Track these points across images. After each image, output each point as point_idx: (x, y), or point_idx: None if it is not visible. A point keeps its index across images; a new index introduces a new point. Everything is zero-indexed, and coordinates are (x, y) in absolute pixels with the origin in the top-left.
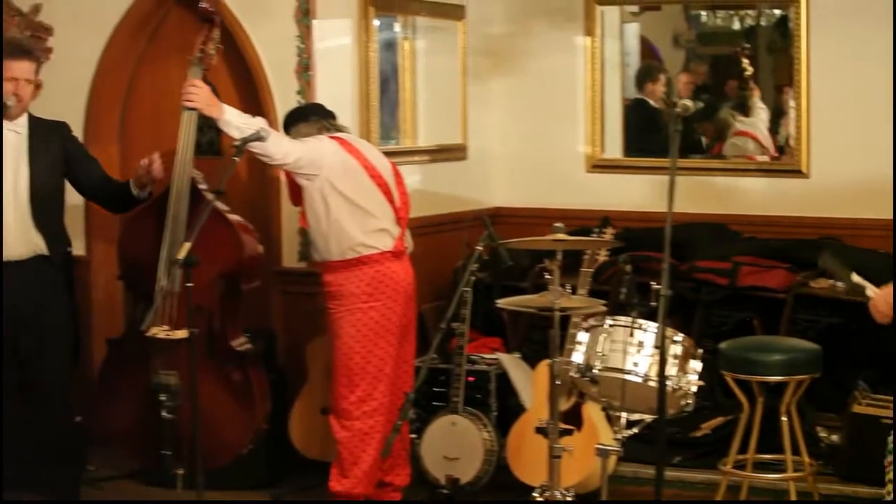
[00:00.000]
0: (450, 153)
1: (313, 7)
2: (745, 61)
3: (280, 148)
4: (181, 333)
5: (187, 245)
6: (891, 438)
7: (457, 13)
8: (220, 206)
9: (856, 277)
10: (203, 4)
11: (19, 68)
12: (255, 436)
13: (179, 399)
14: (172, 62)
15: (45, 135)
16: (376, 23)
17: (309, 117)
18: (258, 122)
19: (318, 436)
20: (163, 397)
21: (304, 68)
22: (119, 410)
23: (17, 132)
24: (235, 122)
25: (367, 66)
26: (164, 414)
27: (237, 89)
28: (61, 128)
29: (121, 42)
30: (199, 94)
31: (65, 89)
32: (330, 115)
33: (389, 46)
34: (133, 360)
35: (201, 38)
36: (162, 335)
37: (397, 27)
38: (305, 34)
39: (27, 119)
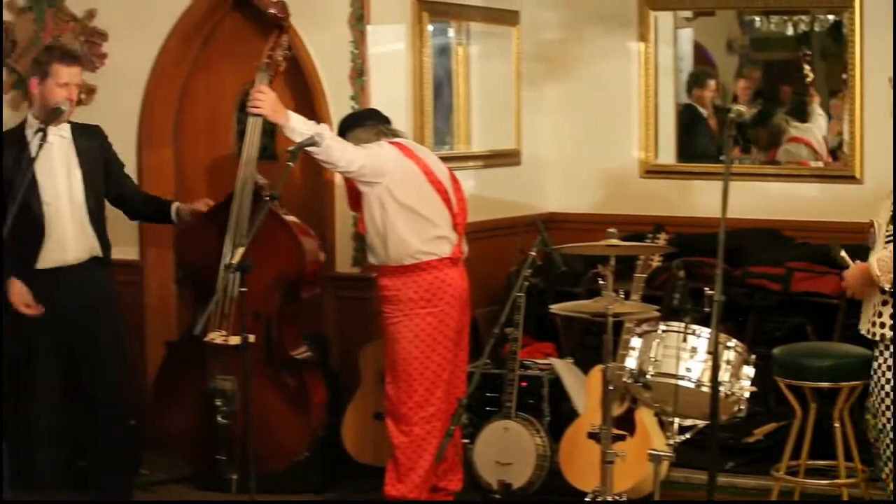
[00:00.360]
0: (503, 158)
1: (367, 12)
2: (807, 67)
3: (344, 155)
4: (238, 339)
5: (241, 250)
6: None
7: (511, 19)
8: (283, 211)
9: (843, 254)
10: (272, 10)
11: (70, 73)
12: (311, 443)
13: (235, 404)
14: (226, 67)
15: (87, 138)
16: (430, 28)
17: (365, 122)
18: (323, 130)
19: (370, 441)
20: (218, 402)
21: (359, 73)
22: (175, 413)
23: (62, 136)
24: (300, 128)
25: (420, 72)
26: (219, 419)
27: (292, 95)
28: (99, 131)
29: (175, 47)
30: (265, 101)
31: (119, 94)
32: (386, 121)
33: (443, 52)
34: (190, 364)
35: (270, 45)
36: (219, 340)
37: (451, 32)
38: (359, 40)
39: (69, 127)
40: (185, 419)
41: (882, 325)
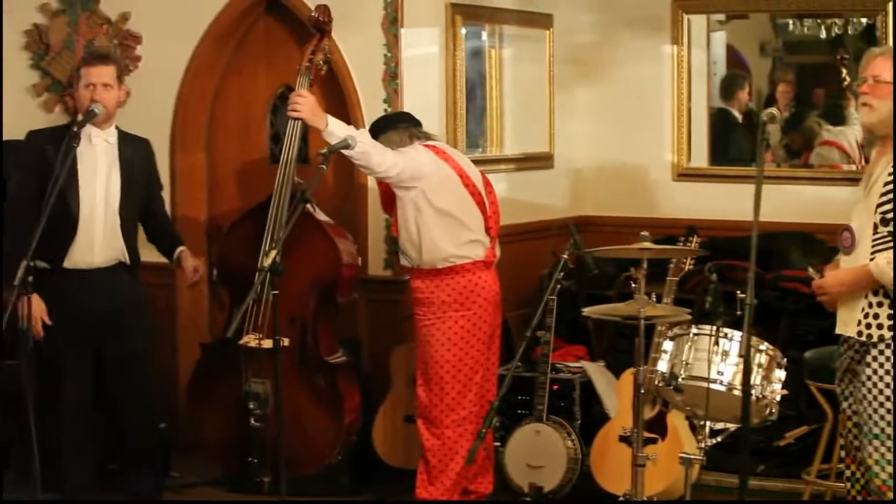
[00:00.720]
0: (536, 162)
1: (401, 16)
2: (843, 70)
3: (384, 160)
4: (271, 343)
5: (273, 252)
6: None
7: (544, 22)
8: (320, 215)
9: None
10: (314, 14)
11: (96, 73)
12: (343, 447)
13: (268, 408)
14: (259, 70)
15: (134, 149)
16: (463, 31)
17: (398, 125)
18: (362, 135)
19: (401, 444)
20: (251, 405)
21: (392, 77)
22: (208, 415)
23: (107, 141)
24: (338, 132)
25: (454, 75)
26: (252, 422)
27: (325, 97)
28: (147, 145)
29: (208, 50)
30: (304, 104)
31: (152, 97)
32: (417, 123)
33: (476, 55)
34: (225, 366)
35: (311, 48)
36: (252, 344)
37: (484, 36)
38: (393, 43)
39: (116, 134)
40: (219, 421)
41: (880, 326)
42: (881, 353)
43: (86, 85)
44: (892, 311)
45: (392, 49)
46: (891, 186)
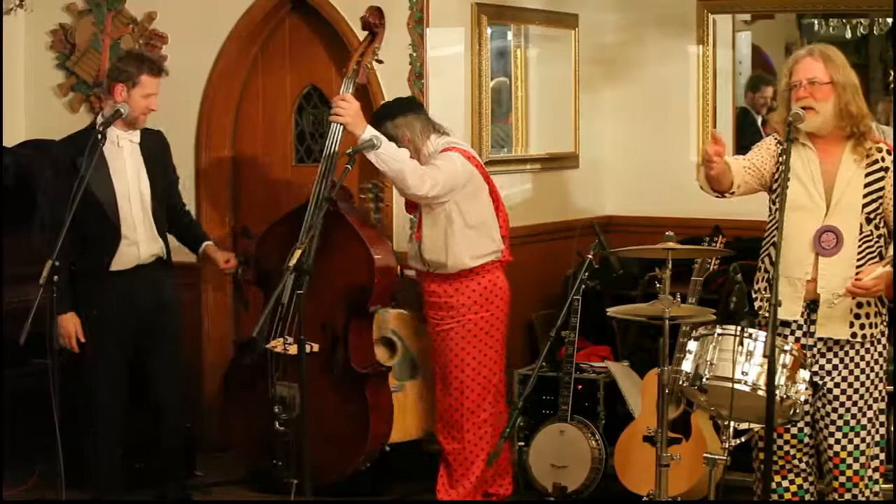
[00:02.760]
0: (561, 161)
1: (427, 16)
2: (892, 73)
3: (421, 183)
4: (296, 349)
5: (298, 252)
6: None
7: (569, 22)
8: (359, 221)
9: None
10: (365, 15)
11: (156, 85)
12: (370, 457)
13: (294, 412)
14: (285, 70)
15: (152, 143)
16: (489, 31)
17: (420, 111)
18: (399, 153)
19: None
20: (277, 409)
21: (417, 76)
22: (239, 413)
23: (132, 141)
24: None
25: (479, 75)
26: (276, 426)
27: None
28: (161, 137)
29: (234, 50)
30: (348, 109)
31: (178, 96)
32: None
33: (502, 55)
34: (257, 366)
35: (360, 50)
36: (279, 349)
37: (510, 36)
38: (418, 42)
39: (139, 131)
40: (249, 420)
41: (872, 325)
42: (873, 348)
43: (146, 94)
44: (877, 309)
45: (418, 49)
46: (873, 186)
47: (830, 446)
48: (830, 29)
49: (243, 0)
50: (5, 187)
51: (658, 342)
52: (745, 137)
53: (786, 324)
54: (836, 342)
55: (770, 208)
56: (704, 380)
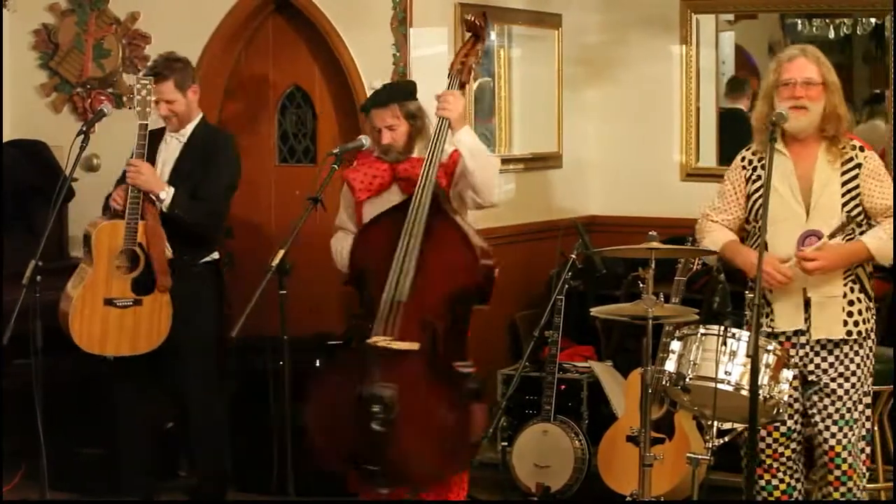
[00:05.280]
0: (545, 161)
1: (410, 16)
2: None
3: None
4: (404, 345)
5: (281, 252)
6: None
7: (553, 22)
8: (462, 220)
9: None
10: (470, 17)
11: (156, 91)
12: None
13: (393, 412)
14: (268, 69)
15: (201, 143)
16: None
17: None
18: (487, 152)
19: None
20: (376, 409)
21: (400, 76)
22: (329, 418)
23: (178, 140)
24: (467, 139)
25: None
26: (373, 426)
27: (332, 97)
28: (216, 139)
29: (217, 50)
30: (455, 104)
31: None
32: None
33: (485, 55)
34: (348, 368)
35: (464, 50)
36: (382, 344)
37: (493, 35)
38: (401, 42)
39: (194, 126)
40: (339, 424)
41: (865, 322)
42: (865, 343)
43: (158, 101)
44: (867, 304)
45: (401, 49)
46: (850, 185)
47: (826, 440)
48: (814, 29)
49: (227, 0)
50: None
51: (641, 342)
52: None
53: (782, 332)
54: (830, 340)
55: (748, 220)
56: (687, 380)
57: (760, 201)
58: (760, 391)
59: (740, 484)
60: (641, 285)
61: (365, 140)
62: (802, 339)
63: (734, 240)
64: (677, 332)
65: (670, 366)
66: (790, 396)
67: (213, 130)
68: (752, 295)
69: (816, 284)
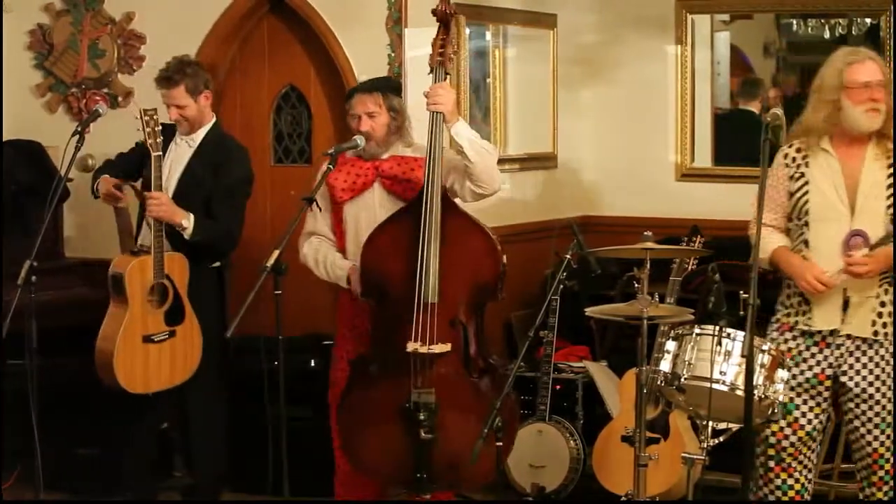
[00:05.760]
0: (540, 161)
1: (405, 16)
2: None
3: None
4: (442, 347)
5: (276, 252)
6: None
7: (548, 22)
8: (469, 213)
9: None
10: (439, 7)
11: (168, 97)
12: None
13: (437, 417)
14: (263, 70)
15: (212, 151)
16: (467, 31)
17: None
18: (488, 145)
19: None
20: (422, 416)
21: (395, 77)
22: (372, 430)
23: (188, 144)
24: (465, 132)
25: (457, 75)
26: (422, 434)
27: (328, 96)
28: (228, 150)
29: (212, 50)
30: (446, 97)
31: (156, 97)
32: None
33: (480, 55)
34: (380, 380)
35: (438, 42)
36: (423, 350)
37: (488, 35)
38: (396, 42)
39: (206, 131)
40: (383, 434)
41: (890, 325)
42: (886, 350)
43: (167, 105)
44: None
45: (396, 49)
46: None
47: (869, 443)
48: (809, 29)
49: (222, 0)
50: None
51: (636, 342)
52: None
53: (818, 332)
54: (864, 340)
55: (790, 217)
56: (682, 380)
57: (804, 199)
58: (755, 391)
59: (736, 484)
60: (636, 285)
61: (360, 140)
62: (838, 340)
63: (783, 246)
64: (672, 332)
65: (665, 366)
66: (820, 395)
67: (226, 139)
68: (746, 295)
69: (856, 285)
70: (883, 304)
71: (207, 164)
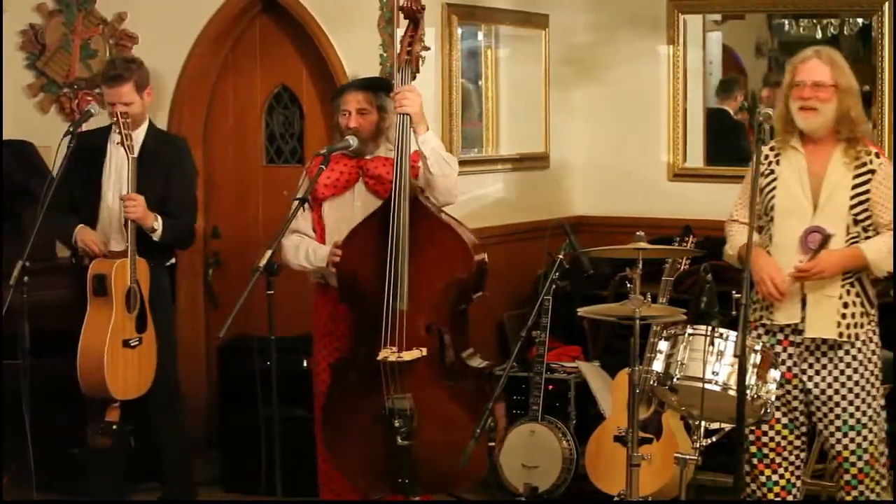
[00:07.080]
0: (532, 162)
1: (397, 16)
2: None
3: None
4: (412, 354)
5: (268, 252)
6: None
7: (540, 22)
8: (438, 211)
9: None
10: (405, 3)
11: (115, 94)
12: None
13: (414, 423)
14: (255, 71)
15: (160, 152)
16: (459, 31)
17: None
18: (451, 158)
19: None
20: (397, 423)
21: (387, 76)
22: (352, 437)
23: (127, 146)
24: (433, 142)
25: (450, 75)
26: (399, 441)
27: (320, 97)
28: (173, 144)
29: (204, 50)
30: (414, 100)
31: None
32: None
33: (473, 55)
34: (358, 386)
35: (406, 40)
36: (392, 358)
37: (480, 36)
38: (388, 43)
39: (144, 131)
40: (362, 441)
41: (858, 325)
42: (865, 347)
43: (110, 103)
44: (864, 309)
45: (388, 49)
46: (861, 188)
47: (832, 446)
48: (801, 29)
49: (214, 1)
50: None
51: (629, 342)
52: (724, 139)
53: (780, 329)
54: (825, 342)
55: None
56: (675, 380)
57: (772, 195)
58: (748, 391)
59: (728, 484)
60: (629, 285)
61: (352, 141)
62: (798, 338)
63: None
64: (665, 332)
65: (658, 366)
66: (790, 393)
67: (171, 137)
68: (739, 294)
69: (813, 284)
70: (846, 306)
71: (155, 168)
